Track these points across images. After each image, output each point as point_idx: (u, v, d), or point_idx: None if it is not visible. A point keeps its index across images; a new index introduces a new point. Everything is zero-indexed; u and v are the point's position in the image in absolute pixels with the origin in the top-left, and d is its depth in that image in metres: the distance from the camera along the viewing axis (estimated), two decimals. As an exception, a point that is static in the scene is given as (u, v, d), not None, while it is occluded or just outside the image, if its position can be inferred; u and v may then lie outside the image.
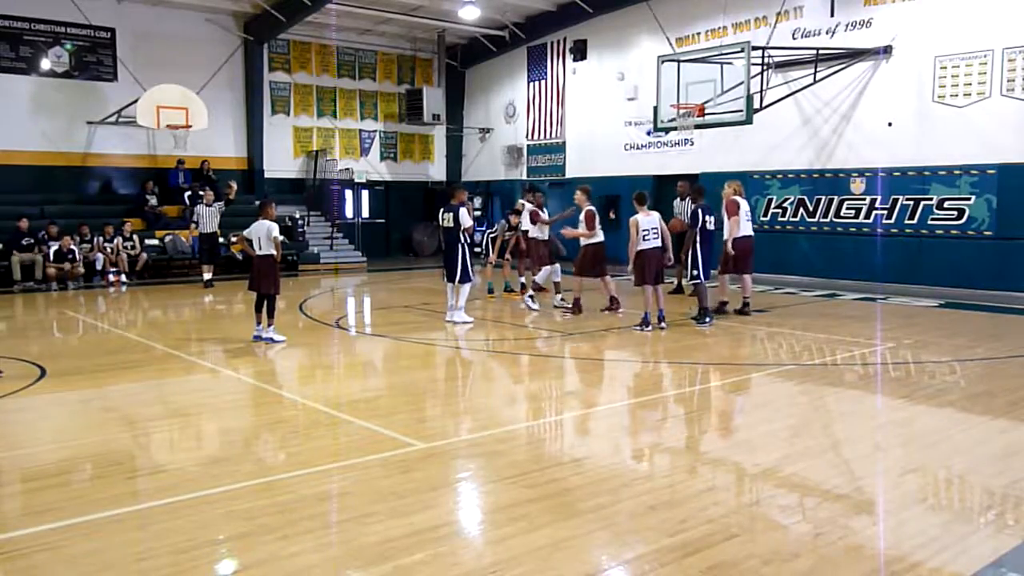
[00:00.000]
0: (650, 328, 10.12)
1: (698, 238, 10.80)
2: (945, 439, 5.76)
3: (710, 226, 10.94)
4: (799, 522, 4.23)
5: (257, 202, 14.01)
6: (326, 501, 4.52)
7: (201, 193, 16.68)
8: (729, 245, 11.20)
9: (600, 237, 11.57)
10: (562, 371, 8.63)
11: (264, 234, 9.37)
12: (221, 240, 16.47)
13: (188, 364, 8.64)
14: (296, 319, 11.84)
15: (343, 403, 6.94)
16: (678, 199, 13.83)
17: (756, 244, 11.85)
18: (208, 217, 15.70)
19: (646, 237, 10.06)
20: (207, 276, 15.82)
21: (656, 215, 10.29)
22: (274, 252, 9.42)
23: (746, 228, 11.37)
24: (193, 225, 16.11)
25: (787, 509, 4.42)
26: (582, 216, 11.50)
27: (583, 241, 11.56)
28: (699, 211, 10.90)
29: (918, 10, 14.59)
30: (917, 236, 14.72)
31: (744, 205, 11.48)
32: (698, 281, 10.85)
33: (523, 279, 14.16)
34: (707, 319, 10.65)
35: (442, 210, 11.26)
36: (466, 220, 10.89)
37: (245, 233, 9.68)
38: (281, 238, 9.68)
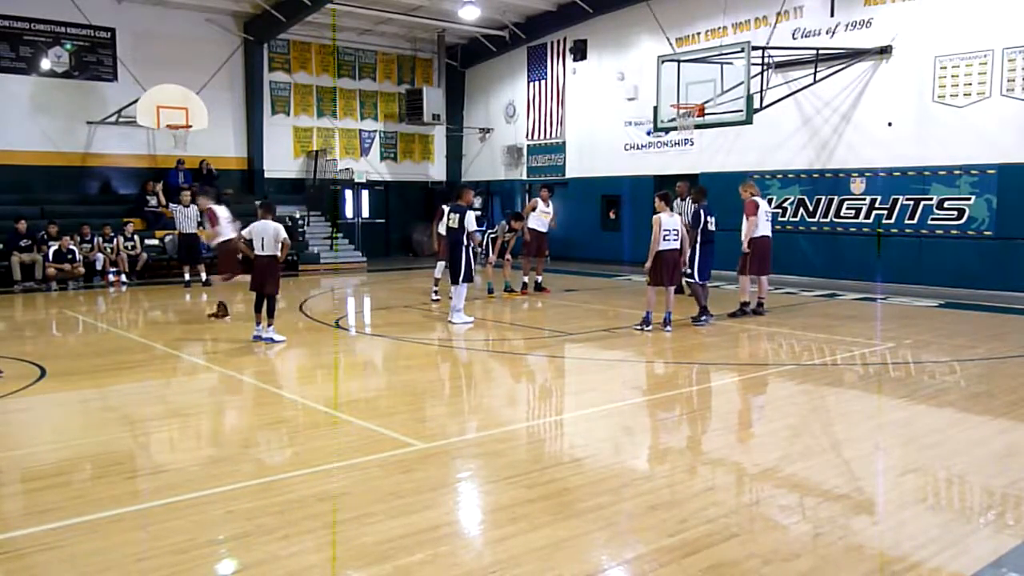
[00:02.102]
0: (650, 328, 10.09)
1: (699, 239, 10.77)
2: (945, 439, 5.76)
3: (711, 227, 10.90)
4: (799, 522, 4.23)
5: (257, 202, 14.02)
6: (326, 501, 4.52)
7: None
8: (745, 244, 11.05)
9: (229, 235, 11.30)
10: (561, 371, 8.63)
11: (271, 235, 9.38)
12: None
13: (188, 364, 8.64)
14: (296, 319, 11.84)
15: (343, 403, 6.94)
16: (678, 199, 13.87)
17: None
18: (185, 218, 15.63)
19: (667, 237, 9.86)
20: (187, 276, 15.92)
21: (678, 217, 10.20)
22: (278, 253, 9.43)
23: (766, 228, 11.23)
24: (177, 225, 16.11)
25: (787, 509, 4.42)
26: (207, 216, 11.54)
27: (215, 242, 11.53)
28: (701, 212, 10.86)
29: (918, 10, 14.60)
30: (917, 236, 14.73)
31: (764, 205, 11.33)
32: (694, 281, 10.84)
33: (525, 279, 14.21)
34: (703, 319, 10.63)
35: (448, 209, 11.28)
36: (471, 224, 10.91)
37: (244, 233, 9.68)
38: (288, 241, 9.70)
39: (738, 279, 11.41)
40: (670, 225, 9.90)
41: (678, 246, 9.98)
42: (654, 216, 10.01)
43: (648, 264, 9.96)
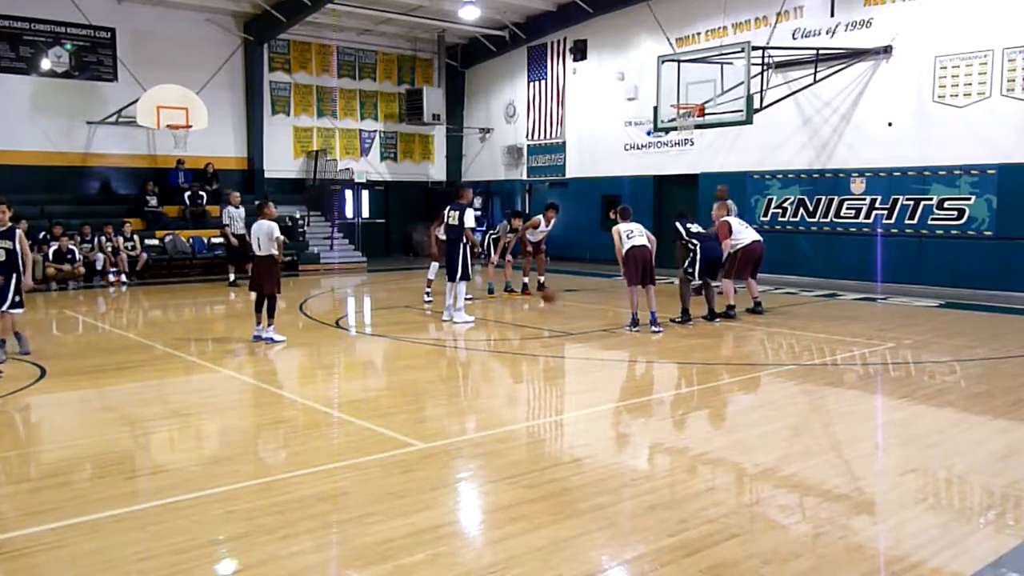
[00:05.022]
0: (638, 328, 10.13)
1: (694, 246, 10.84)
2: (945, 439, 5.76)
3: (696, 229, 11.00)
4: (799, 522, 4.23)
5: (257, 202, 14.04)
6: (326, 501, 4.52)
7: (227, 192, 16.72)
8: (727, 258, 11.28)
9: None
10: (561, 371, 8.63)
11: (265, 234, 9.38)
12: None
13: (188, 364, 8.64)
14: (296, 319, 11.84)
15: (343, 403, 6.93)
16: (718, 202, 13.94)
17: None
18: (238, 218, 15.73)
19: (630, 235, 10.17)
20: (232, 276, 16.01)
21: (635, 224, 10.42)
22: (275, 252, 9.42)
23: (750, 235, 11.41)
24: (225, 227, 16.09)
25: (787, 509, 4.42)
26: None
27: None
28: (677, 224, 11.07)
29: (918, 10, 14.60)
30: (917, 236, 14.73)
31: (735, 221, 11.54)
32: (694, 281, 10.89)
33: (526, 279, 14.20)
34: (682, 320, 10.73)
35: (448, 207, 11.30)
36: (470, 222, 10.95)
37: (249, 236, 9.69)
38: (282, 238, 9.69)
39: (723, 282, 11.50)
40: (628, 227, 10.25)
41: (644, 242, 10.18)
42: (613, 228, 10.38)
43: (622, 269, 10.27)
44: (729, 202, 13.24)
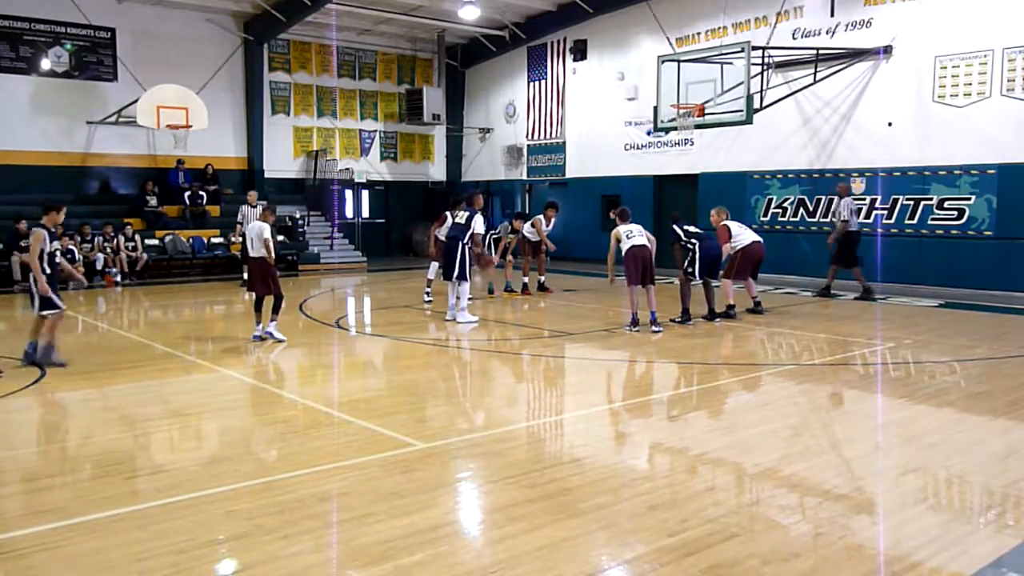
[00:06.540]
0: (638, 328, 10.14)
1: (694, 247, 10.87)
2: (945, 439, 5.76)
3: (693, 229, 11.06)
4: (799, 522, 4.23)
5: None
6: (326, 501, 4.52)
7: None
8: (729, 260, 11.32)
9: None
10: (561, 371, 8.63)
11: (256, 235, 9.41)
12: (232, 240, 16.40)
13: (188, 364, 8.64)
14: (296, 319, 11.83)
15: (343, 403, 6.93)
16: (838, 199, 13.87)
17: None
18: (252, 217, 15.69)
19: (630, 235, 10.19)
20: (246, 275, 15.90)
21: (635, 225, 10.45)
22: (263, 253, 9.43)
23: (750, 237, 11.43)
24: (239, 225, 16.01)
25: (787, 509, 4.42)
26: None
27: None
28: (674, 227, 11.15)
29: (918, 10, 14.59)
30: (917, 236, 14.72)
31: (734, 224, 11.55)
32: (694, 280, 10.92)
33: (526, 279, 14.20)
34: (682, 320, 10.74)
35: (458, 209, 11.36)
36: (479, 227, 10.96)
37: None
38: (280, 238, 9.68)
39: (722, 281, 11.52)
40: (628, 228, 10.29)
41: (644, 242, 10.19)
42: (613, 231, 10.40)
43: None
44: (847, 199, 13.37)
